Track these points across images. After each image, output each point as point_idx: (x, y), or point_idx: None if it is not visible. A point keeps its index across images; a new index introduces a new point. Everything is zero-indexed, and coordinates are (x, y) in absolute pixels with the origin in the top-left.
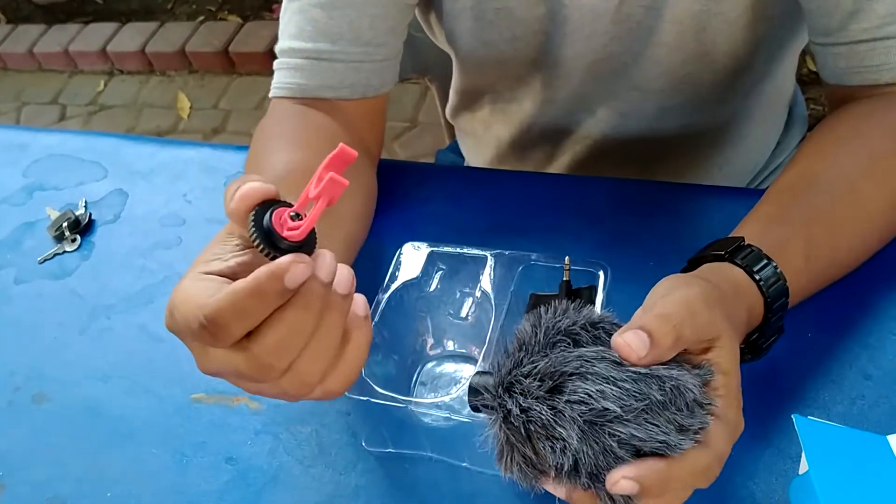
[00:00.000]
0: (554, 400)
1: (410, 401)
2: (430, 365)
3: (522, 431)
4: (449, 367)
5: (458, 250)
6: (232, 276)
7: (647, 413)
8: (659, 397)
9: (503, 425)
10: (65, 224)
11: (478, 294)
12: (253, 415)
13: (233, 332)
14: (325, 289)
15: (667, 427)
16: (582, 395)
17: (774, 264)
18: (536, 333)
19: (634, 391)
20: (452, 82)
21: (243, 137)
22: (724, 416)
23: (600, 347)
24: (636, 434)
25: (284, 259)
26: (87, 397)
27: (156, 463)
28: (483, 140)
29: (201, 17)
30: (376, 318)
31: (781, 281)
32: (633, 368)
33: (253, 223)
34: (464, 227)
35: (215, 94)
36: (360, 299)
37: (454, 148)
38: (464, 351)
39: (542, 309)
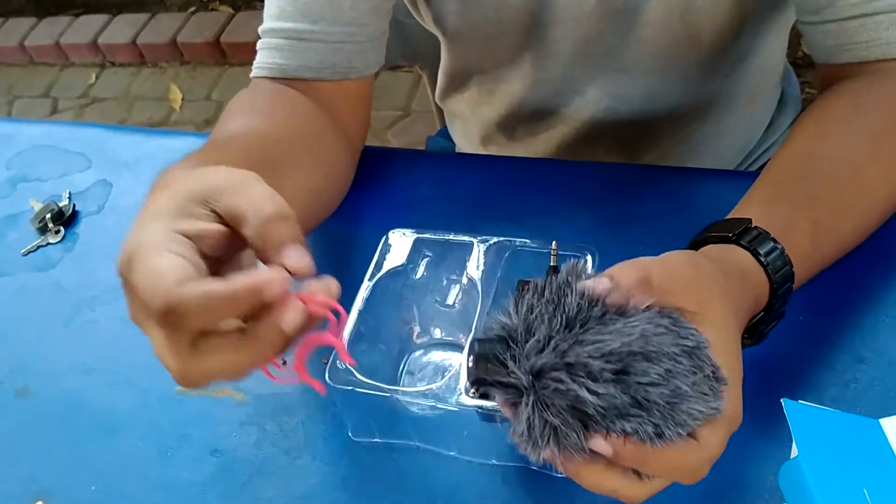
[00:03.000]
0: (624, 382)
1: (396, 390)
2: (416, 353)
3: (588, 414)
4: (436, 356)
5: (445, 237)
6: (199, 242)
7: (696, 385)
8: (709, 371)
9: (539, 406)
10: (48, 216)
11: (465, 281)
12: (238, 406)
13: (190, 326)
14: (282, 338)
15: (710, 393)
16: (654, 377)
17: (781, 248)
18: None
19: (692, 366)
20: (441, 64)
21: None
22: (725, 410)
23: (648, 315)
24: (699, 408)
25: (265, 274)
26: (71, 390)
27: (140, 455)
28: (471, 122)
29: (192, 8)
30: (361, 307)
31: (788, 266)
32: (679, 341)
33: None
34: (451, 213)
35: (207, 84)
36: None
37: (444, 133)
38: (451, 339)
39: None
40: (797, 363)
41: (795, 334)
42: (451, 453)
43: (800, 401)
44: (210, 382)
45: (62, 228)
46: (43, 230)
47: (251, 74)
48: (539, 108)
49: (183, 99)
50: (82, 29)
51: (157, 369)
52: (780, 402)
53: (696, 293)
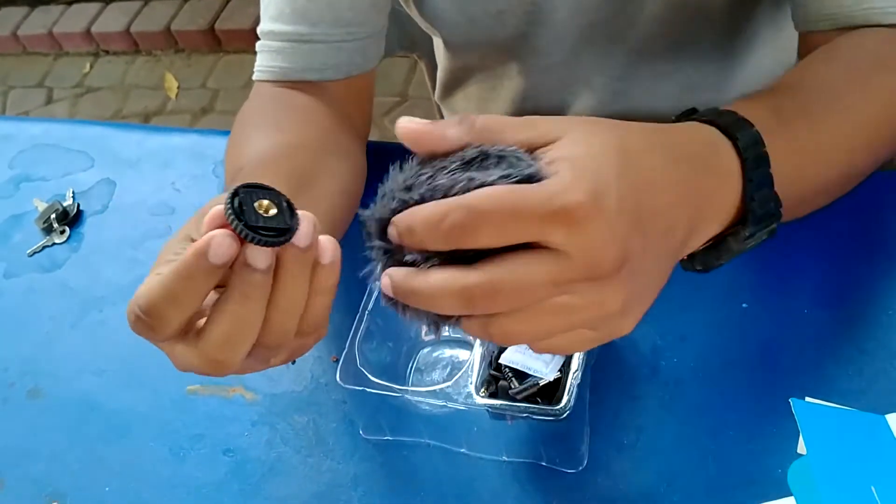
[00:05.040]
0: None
1: (406, 390)
2: (425, 351)
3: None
4: (445, 353)
5: None
6: None
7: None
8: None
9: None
10: (53, 216)
11: None
12: (249, 405)
13: (170, 320)
14: (264, 276)
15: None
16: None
17: (755, 130)
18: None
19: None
20: (439, 64)
21: (232, 117)
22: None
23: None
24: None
25: (209, 234)
26: (82, 391)
27: (153, 456)
28: None
29: None
30: (370, 306)
31: (759, 145)
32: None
33: (229, 205)
34: None
35: (202, 72)
36: (326, 254)
37: None
38: (459, 335)
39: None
40: (802, 357)
41: (800, 328)
42: (462, 450)
43: (807, 398)
44: (230, 356)
45: (67, 228)
46: (48, 230)
47: (254, 77)
48: (544, 103)
49: (178, 87)
50: (75, 17)
51: (169, 369)
52: (785, 395)
53: (543, 123)
